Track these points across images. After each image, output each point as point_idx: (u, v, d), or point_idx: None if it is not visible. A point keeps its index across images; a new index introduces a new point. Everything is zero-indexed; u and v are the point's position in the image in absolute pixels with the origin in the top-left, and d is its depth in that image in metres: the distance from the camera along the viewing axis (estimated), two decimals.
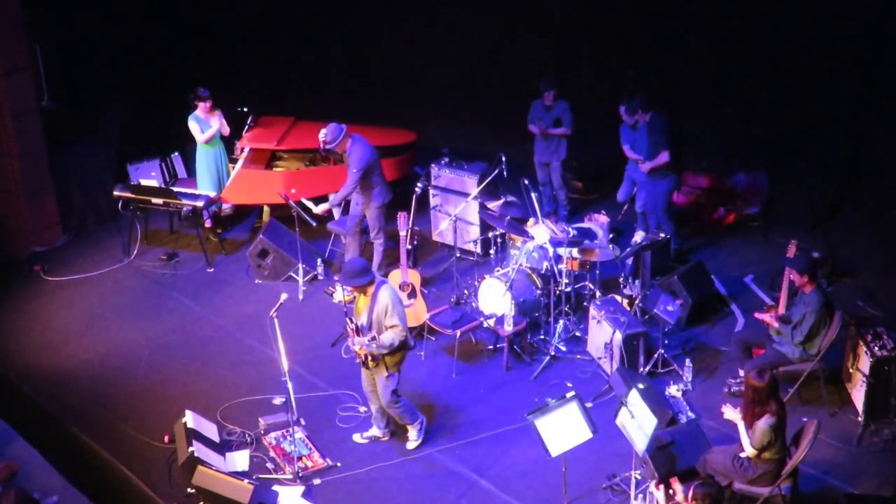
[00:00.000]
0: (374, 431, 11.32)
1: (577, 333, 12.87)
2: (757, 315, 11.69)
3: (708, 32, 15.81)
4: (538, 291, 12.88)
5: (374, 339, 10.41)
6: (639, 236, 13.94)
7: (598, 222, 13.81)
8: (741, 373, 11.52)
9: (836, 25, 14.34)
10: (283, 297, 10.63)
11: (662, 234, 13.45)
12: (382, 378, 10.76)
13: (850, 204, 14.96)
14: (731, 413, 9.80)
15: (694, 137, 15.60)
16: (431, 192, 14.97)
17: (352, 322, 10.68)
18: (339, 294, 13.66)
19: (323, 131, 13.42)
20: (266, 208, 15.78)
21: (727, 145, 15.98)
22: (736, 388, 11.47)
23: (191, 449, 10.48)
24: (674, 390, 11.81)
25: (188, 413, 11.06)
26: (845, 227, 14.73)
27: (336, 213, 15.07)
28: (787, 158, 15.35)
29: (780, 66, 15.12)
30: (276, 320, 10.31)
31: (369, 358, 10.66)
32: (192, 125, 14.92)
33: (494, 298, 12.71)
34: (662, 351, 12.12)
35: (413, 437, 11.21)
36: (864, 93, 14.41)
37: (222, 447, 11.07)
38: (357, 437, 11.31)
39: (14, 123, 14.70)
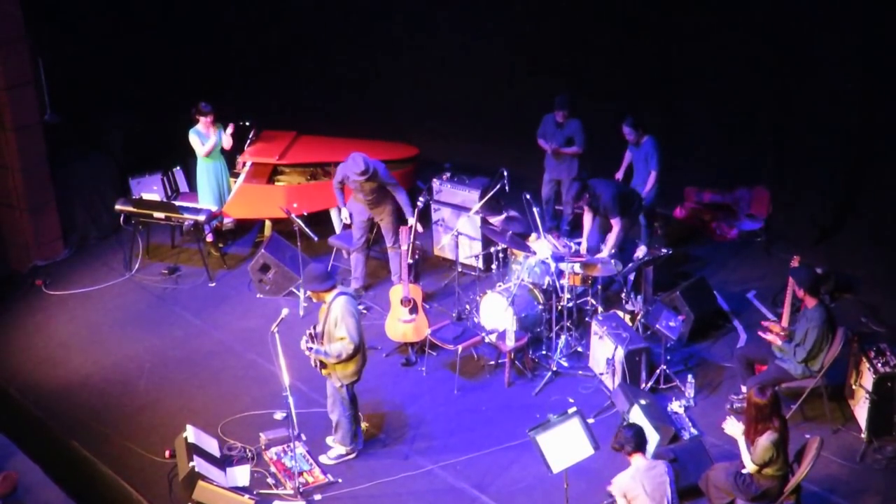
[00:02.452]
0: (339, 450, 11.28)
1: (579, 349, 12.83)
2: (761, 334, 11.63)
3: (709, 48, 15.76)
4: (540, 307, 12.86)
5: (316, 342, 10.60)
6: (641, 251, 13.92)
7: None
8: (743, 389, 11.46)
9: (838, 38, 14.30)
10: (285, 312, 10.59)
11: (665, 250, 13.40)
12: (334, 386, 10.87)
13: (853, 219, 14.93)
14: (733, 427, 9.75)
15: (696, 152, 15.64)
16: (433, 206, 14.95)
17: (314, 327, 10.73)
18: None
19: (356, 168, 13.30)
20: (268, 223, 15.76)
21: (729, 160, 15.94)
22: (738, 404, 11.44)
23: (191, 464, 10.46)
24: (676, 406, 11.76)
25: (189, 428, 11.04)
26: (848, 242, 14.71)
27: (336, 226, 15.12)
28: (790, 173, 15.30)
29: (782, 80, 15.07)
30: (277, 335, 10.27)
31: (318, 364, 10.77)
32: (193, 139, 14.89)
33: (496, 313, 12.68)
34: (664, 367, 12.08)
35: (331, 455, 11.22)
36: (866, 107, 14.37)
37: (223, 462, 11.03)
38: (324, 459, 11.25)
39: (16, 137, 14.67)
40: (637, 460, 9.09)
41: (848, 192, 14.95)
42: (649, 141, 14.05)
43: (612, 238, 13.22)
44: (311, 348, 10.60)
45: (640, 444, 9.14)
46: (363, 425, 11.58)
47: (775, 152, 15.46)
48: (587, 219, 13.63)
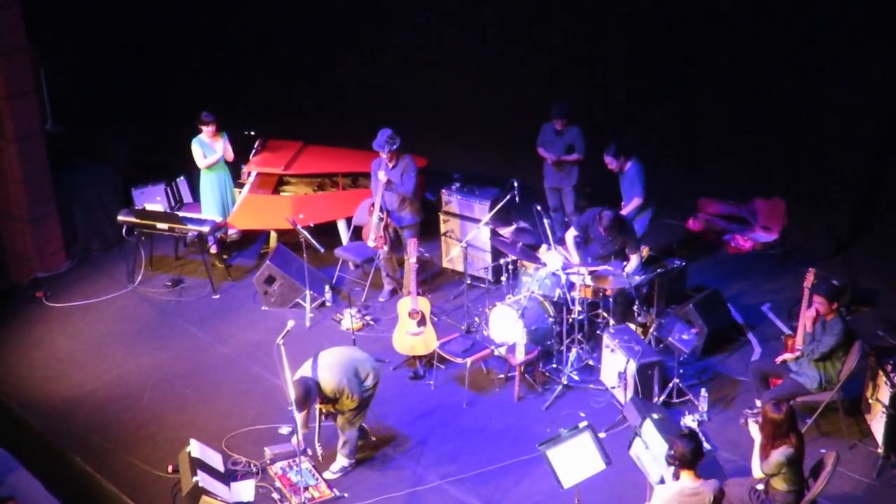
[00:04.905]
0: (342, 462, 11.16)
1: (591, 362, 12.70)
2: (778, 360, 11.47)
3: (723, 58, 15.77)
4: (550, 319, 12.73)
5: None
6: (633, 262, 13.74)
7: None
8: (758, 403, 11.34)
9: (856, 49, 14.28)
10: (291, 324, 10.48)
11: (678, 262, 13.24)
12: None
13: (870, 231, 14.92)
14: (754, 430, 9.63)
15: (710, 163, 15.62)
16: (442, 217, 14.93)
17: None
18: (348, 321, 13.51)
19: (383, 135, 13.52)
20: (273, 234, 15.67)
21: (744, 171, 15.89)
22: (752, 418, 11.24)
23: (195, 479, 10.36)
24: (689, 421, 11.62)
25: (193, 442, 10.92)
26: (864, 254, 14.64)
27: (343, 238, 15.08)
28: (806, 185, 15.28)
29: (797, 91, 15.05)
30: (282, 348, 10.19)
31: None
32: (196, 149, 14.88)
33: (506, 326, 12.55)
34: (678, 380, 11.96)
35: (333, 469, 11.10)
36: (883, 118, 14.32)
37: (227, 477, 10.91)
38: (328, 474, 11.11)
39: (17, 147, 14.60)
40: (686, 479, 8.78)
41: (865, 204, 14.91)
42: (633, 167, 13.83)
43: (631, 266, 13.04)
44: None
45: (694, 460, 8.81)
46: (372, 438, 11.50)
47: (791, 163, 15.43)
48: (571, 242, 13.43)
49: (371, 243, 13.83)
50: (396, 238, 14.15)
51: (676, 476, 8.80)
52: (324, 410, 10.98)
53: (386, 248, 13.97)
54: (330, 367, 10.63)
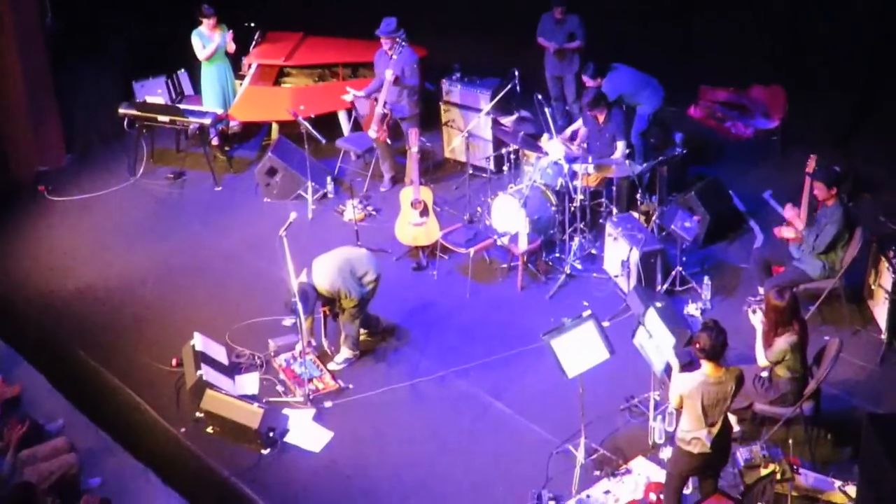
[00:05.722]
0: (345, 353, 11.21)
1: (593, 251, 12.68)
2: (776, 230, 11.50)
3: None
4: (553, 208, 12.66)
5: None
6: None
7: None
8: (761, 291, 11.34)
9: None
10: (293, 216, 10.51)
11: (679, 150, 13.13)
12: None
13: (871, 117, 14.73)
14: (755, 320, 9.61)
15: (709, 50, 15.44)
16: (443, 108, 14.82)
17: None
18: (350, 212, 13.47)
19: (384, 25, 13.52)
20: (274, 125, 15.59)
21: (744, 57, 15.66)
22: (755, 306, 11.23)
23: (199, 372, 10.44)
24: (692, 309, 11.65)
25: (196, 335, 10.97)
26: (866, 141, 14.51)
27: (345, 129, 15.00)
28: (807, 71, 15.05)
29: None
30: (285, 240, 10.19)
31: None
32: (196, 41, 14.77)
33: (508, 216, 12.49)
34: (680, 268, 11.93)
35: (338, 360, 11.18)
36: (888, 2, 14.09)
37: (231, 370, 10.97)
38: (332, 365, 11.17)
39: (17, 43, 14.44)
40: (709, 368, 8.57)
41: (866, 89, 14.74)
42: (614, 117, 13.11)
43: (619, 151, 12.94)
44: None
45: (720, 351, 8.51)
46: (381, 327, 11.58)
47: (792, 48, 15.24)
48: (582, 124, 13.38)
49: (372, 134, 13.76)
50: (396, 128, 14.09)
51: (698, 366, 8.74)
52: (327, 312, 11.05)
53: (385, 139, 13.93)
54: (324, 269, 10.66)
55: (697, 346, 8.39)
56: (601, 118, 12.94)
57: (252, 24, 15.89)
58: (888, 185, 13.68)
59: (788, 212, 11.39)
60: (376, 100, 13.70)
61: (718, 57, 15.69)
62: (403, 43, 13.57)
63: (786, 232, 11.33)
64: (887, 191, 13.59)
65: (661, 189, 12.84)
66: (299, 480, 9.90)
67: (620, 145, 12.85)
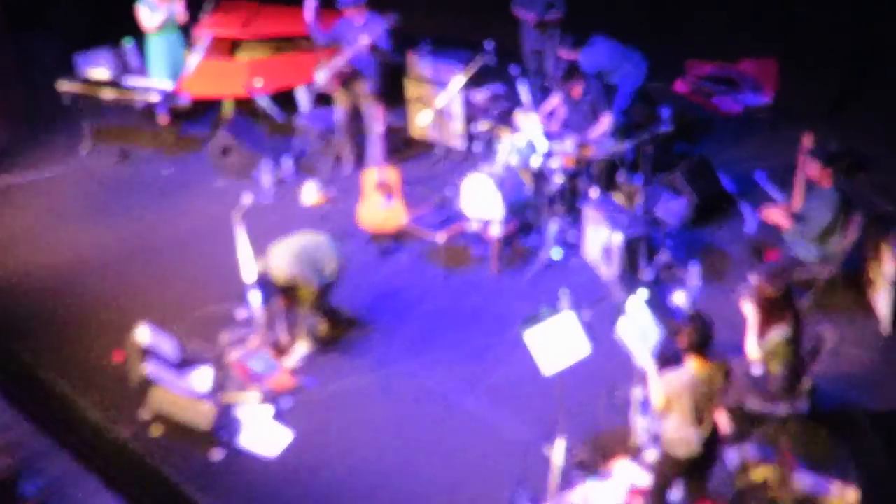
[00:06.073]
0: (301, 348, 10.88)
1: (572, 235, 12.28)
2: (765, 212, 11.14)
3: None
4: (528, 190, 12.28)
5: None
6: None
7: None
8: (751, 279, 10.84)
9: None
10: (248, 198, 10.40)
11: (663, 126, 12.76)
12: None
13: (865, 93, 14.60)
14: (749, 308, 9.27)
15: (698, 22, 15.43)
16: (410, 83, 14.64)
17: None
18: (310, 195, 13.26)
19: None
20: (229, 101, 15.23)
21: (733, 30, 15.57)
22: (747, 294, 10.83)
23: (145, 368, 9.99)
24: (678, 297, 11.21)
25: (142, 327, 10.44)
26: (860, 118, 14.31)
27: (304, 103, 14.64)
28: (799, 44, 14.84)
29: None
30: (240, 224, 10.04)
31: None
32: (143, 10, 14.45)
33: (481, 198, 12.09)
34: (666, 254, 11.64)
35: (297, 355, 10.78)
36: None
37: (181, 366, 10.51)
38: (290, 361, 10.80)
39: None
40: (694, 364, 8.14)
41: (860, 64, 14.60)
42: (592, 89, 12.99)
43: (599, 130, 12.66)
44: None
45: (705, 344, 8.13)
46: (343, 319, 11.24)
47: (784, 21, 15.04)
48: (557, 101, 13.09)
49: (321, 79, 13.33)
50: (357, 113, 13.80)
51: (682, 362, 8.28)
52: (285, 302, 10.70)
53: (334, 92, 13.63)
54: (282, 256, 10.39)
55: (682, 340, 8.07)
56: (577, 91, 12.65)
57: None
58: (883, 164, 13.39)
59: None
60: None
61: (706, 28, 15.63)
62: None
63: (774, 216, 11.01)
64: (883, 170, 13.29)
65: (646, 169, 12.51)
66: (254, 485, 9.53)
67: (605, 119, 12.57)
